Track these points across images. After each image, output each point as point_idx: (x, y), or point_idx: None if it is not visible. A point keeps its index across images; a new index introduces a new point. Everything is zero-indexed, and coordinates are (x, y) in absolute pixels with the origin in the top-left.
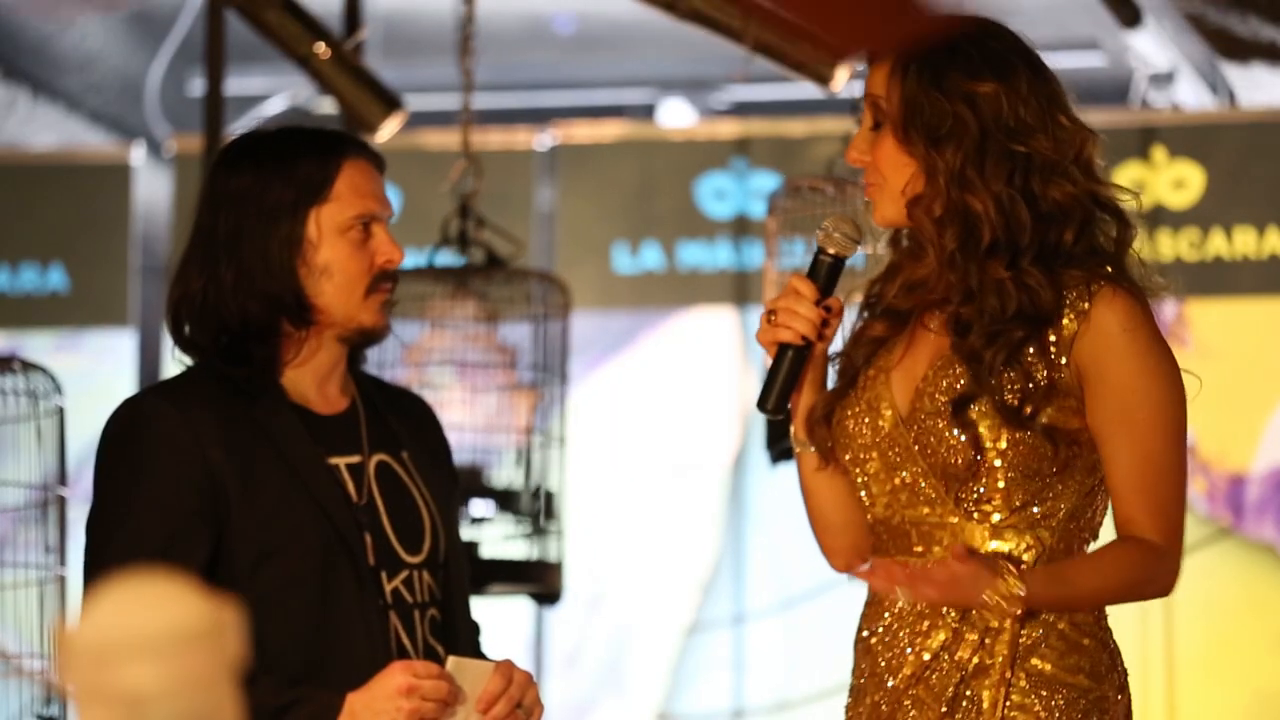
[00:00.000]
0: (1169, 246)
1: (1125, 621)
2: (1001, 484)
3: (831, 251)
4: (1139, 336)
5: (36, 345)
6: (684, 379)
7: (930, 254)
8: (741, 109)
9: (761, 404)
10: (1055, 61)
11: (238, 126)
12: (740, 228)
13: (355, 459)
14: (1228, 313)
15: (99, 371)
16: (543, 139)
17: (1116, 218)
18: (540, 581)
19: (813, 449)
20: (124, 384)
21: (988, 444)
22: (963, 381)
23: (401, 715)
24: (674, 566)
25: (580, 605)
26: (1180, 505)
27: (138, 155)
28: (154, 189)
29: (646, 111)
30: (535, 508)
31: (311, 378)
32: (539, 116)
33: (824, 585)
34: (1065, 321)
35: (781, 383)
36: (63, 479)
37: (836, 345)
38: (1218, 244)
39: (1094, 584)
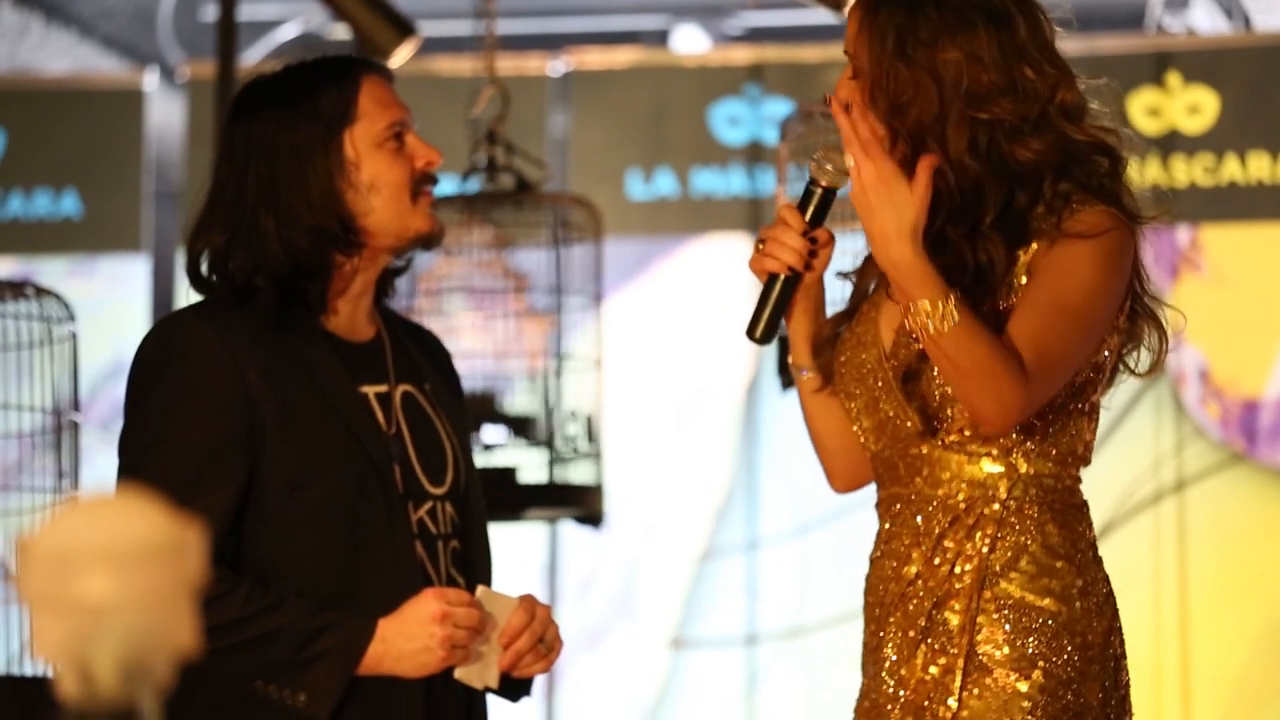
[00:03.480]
0: (1183, 172)
1: (1139, 547)
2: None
3: (823, 183)
4: (1104, 241)
5: (50, 271)
6: (698, 306)
7: None
8: (755, 35)
9: (750, 331)
10: None
11: (251, 52)
12: (754, 154)
13: (383, 388)
14: (1242, 238)
15: (112, 297)
16: (556, 65)
17: (1105, 155)
18: (582, 505)
19: (808, 374)
20: (137, 309)
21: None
22: (911, 350)
23: (435, 641)
24: (688, 493)
25: (595, 531)
26: (1058, 359)
27: (151, 81)
28: (167, 115)
29: (660, 38)
30: (568, 433)
31: (348, 305)
32: (552, 42)
33: (837, 511)
34: (1038, 246)
35: (770, 311)
36: (76, 404)
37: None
38: (1232, 169)
39: (970, 344)
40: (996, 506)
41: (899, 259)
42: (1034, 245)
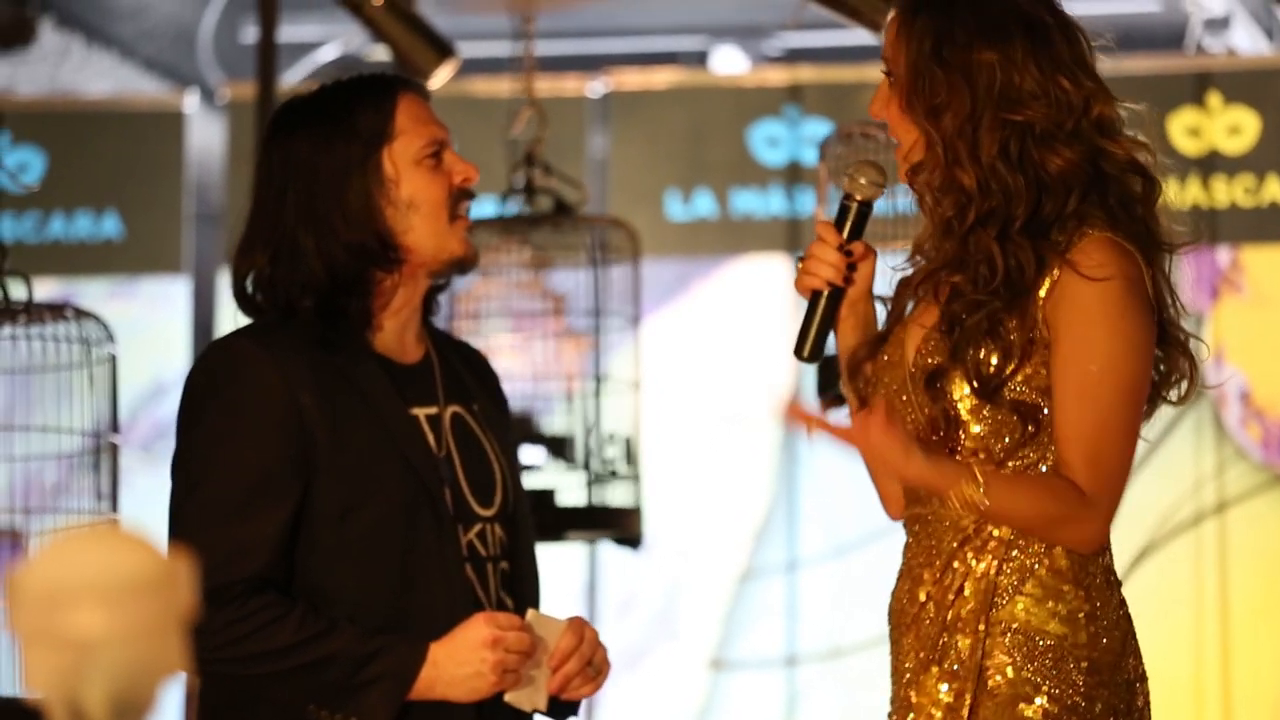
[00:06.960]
0: (1224, 193)
1: (1180, 569)
2: (983, 436)
3: (858, 198)
4: (1110, 288)
5: (91, 292)
6: (736, 327)
7: (927, 220)
8: (794, 56)
9: (797, 350)
10: (1111, 6)
11: (291, 74)
12: (793, 175)
13: (433, 410)
14: None
15: (153, 319)
16: (595, 86)
17: (1139, 174)
18: (621, 527)
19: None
20: (178, 331)
21: (964, 407)
22: (938, 356)
23: (486, 666)
24: (727, 514)
25: (634, 552)
26: (1118, 460)
27: (191, 102)
28: (207, 136)
29: (699, 58)
30: (606, 455)
31: (396, 326)
32: (591, 63)
33: (876, 532)
34: (1050, 273)
35: (816, 329)
36: (115, 426)
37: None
38: (1273, 190)
39: (1016, 501)
40: (1005, 529)
41: (918, 475)
42: (1054, 271)
